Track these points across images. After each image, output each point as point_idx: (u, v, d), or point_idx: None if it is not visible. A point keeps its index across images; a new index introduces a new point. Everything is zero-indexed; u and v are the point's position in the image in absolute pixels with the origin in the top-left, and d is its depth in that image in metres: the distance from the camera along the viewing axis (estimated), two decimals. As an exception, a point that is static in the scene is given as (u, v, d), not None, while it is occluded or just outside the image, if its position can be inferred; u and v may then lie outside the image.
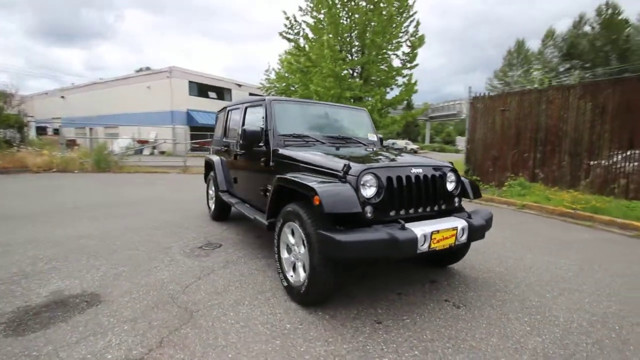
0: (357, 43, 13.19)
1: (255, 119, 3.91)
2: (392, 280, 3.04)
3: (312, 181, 2.35)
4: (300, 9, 13.81)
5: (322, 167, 2.64)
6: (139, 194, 7.20)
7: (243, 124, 4.01)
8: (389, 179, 2.42)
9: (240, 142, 3.92)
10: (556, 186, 7.78)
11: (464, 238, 2.50)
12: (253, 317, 2.33)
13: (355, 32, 12.76)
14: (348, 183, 2.31)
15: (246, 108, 4.03)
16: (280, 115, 3.44)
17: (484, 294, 2.82)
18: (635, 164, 6.45)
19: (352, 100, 12.49)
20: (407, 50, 14.08)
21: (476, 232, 2.59)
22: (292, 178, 2.53)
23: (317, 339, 2.09)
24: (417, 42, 13.80)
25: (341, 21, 12.88)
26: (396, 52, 14.03)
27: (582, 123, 7.52)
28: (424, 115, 45.39)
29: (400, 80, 14.31)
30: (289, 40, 14.04)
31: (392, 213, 2.42)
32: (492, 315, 2.46)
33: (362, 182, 2.32)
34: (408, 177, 2.50)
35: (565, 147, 7.81)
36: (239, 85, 29.88)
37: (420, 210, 2.58)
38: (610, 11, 33.92)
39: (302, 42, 13.66)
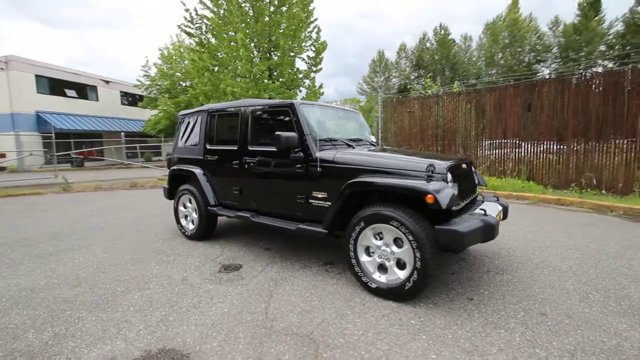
0: (267, 45, 13.08)
1: (268, 124, 3.67)
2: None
3: (408, 182, 2.50)
4: (201, 1, 12.76)
5: (393, 168, 2.78)
6: (48, 224, 5.49)
7: (250, 130, 3.68)
8: (457, 174, 2.78)
9: (261, 149, 3.61)
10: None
11: (503, 218, 3.09)
12: (378, 323, 2.33)
13: (269, 33, 12.65)
14: (436, 181, 2.55)
15: (252, 112, 3.70)
16: (310, 119, 3.36)
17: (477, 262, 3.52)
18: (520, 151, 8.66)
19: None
20: (311, 54, 14.84)
21: (506, 213, 3.22)
22: (389, 182, 2.60)
23: (449, 325, 2.28)
24: (321, 47, 14.69)
25: (249, 20, 12.55)
26: (302, 56, 14.60)
27: (469, 121, 9.62)
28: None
29: (306, 82, 14.98)
30: (189, 34, 12.79)
31: (459, 204, 2.79)
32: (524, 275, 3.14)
33: (448, 179, 2.60)
34: (464, 171, 2.92)
35: (459, 141, 9.85)
36: (107, 82, 25.13)
37: (467, 199, 3.04)
38: (443, 32, 43.25)
39: (209, 38, 12.65)
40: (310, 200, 3.21)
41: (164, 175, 12.62)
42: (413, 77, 47.31)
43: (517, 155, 8.69)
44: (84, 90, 23.46)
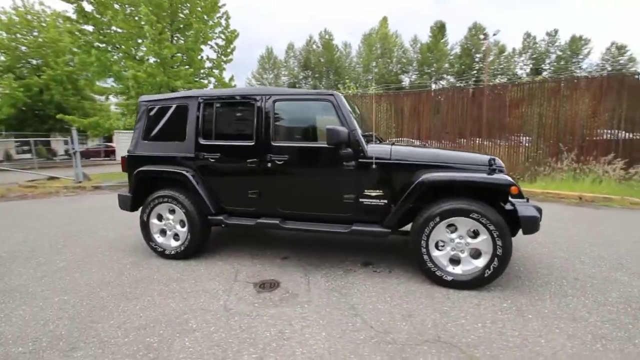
0: (173, 26, 11.33)
1: (300, 117, 3.26)
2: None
3: (491, 176, 2.66)
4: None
5: (456, 163, 2.89)
6: None
7: (273, 123, 3.17)
8: None
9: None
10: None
11: None
12: (483, 313, 2.39)
13: (174, 10, 10.90)
14: (498, 173, 2.78)
15: (275, 102, 3.18)
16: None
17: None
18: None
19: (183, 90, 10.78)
20: (221, 43, 13.65)
21: None
22: (470, 176, 2.68)
23: (535, 301, 2.53)
24: (232, 35, 13.67)
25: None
26: (211, 43, 13.28)
27: (389, 121, 10.67)
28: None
29: (216, 72, 13.74)
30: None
31: None
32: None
33: (505, 171, 2.87)
34: None
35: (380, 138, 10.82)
36: None
37: None
38: (327, 37, 46.22)
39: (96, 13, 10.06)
40: (361, 200, 3.01)
41: (32, 181, 9.55)
42: (301, 77, 49.08)
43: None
44: None
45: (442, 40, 43.82)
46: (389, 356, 1.95)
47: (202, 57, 12.79)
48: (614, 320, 2.28)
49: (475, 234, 2.73)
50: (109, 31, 10.44)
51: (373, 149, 2.99)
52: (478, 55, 43.30)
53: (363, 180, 2.99)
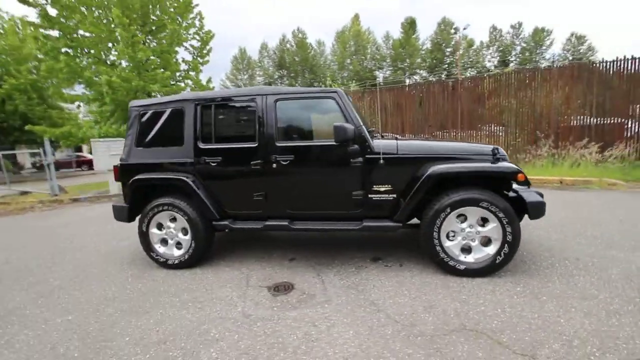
0: (147, 28, 10.90)
1: (303, 116, 3.22)
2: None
3: (497, 165, 2.73)
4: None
5: (462, 154, 2.96)
6: None
7: (276, 123, 3.11)
8: None
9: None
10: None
11: None
12: (500, 299, 2.45)
13: (150, 11, 10.50)
14: (502, 162, 2.87)
15: (276, 101, 3.12)
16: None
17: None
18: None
19: (160, 95, 10.42)
20: (196, 44, 13.31)
21: None
22: (473, 167, 2.74)
23: (545, 283, 2.63)
24: (207, 36, 13.36)
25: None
26: (186, 45, 12.92)
27: (372, 116, 10.78)
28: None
29: (192, 75, 13.39)
30: (26, 3, 9.32)
31: None
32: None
33: (507, 159, 2.96)
34: None
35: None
36: None
37: None
38: (301, 35, 46.05)
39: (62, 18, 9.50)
40: (370, 195, 3.02)
41: (2, 197, 8.95)
42: (277, 77, 48.68)
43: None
44: None
45: (414, 36, 44.74)
46: (420, 348, 1.97)
47: (177, 59, 12.45)
48: (621, 296, 2.41)
49: (484, 222, 2.80)
50: (76, 36, 9.90)
51: (379, 144, 3.00)
52: (448, 50, 44.59)
53: (371, 176, 3.00)
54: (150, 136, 3.45)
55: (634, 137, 7.59)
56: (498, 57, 44.69)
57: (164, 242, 3.46)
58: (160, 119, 3.43)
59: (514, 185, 2.96)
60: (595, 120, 7.98)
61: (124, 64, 10.83)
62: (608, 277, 2.71)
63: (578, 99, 8.19)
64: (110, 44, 10.51)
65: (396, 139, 3.32)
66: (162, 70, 10.83)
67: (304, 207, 3.19)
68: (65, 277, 3.38)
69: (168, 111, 3.40)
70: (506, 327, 2.12)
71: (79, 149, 23.90)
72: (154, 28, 11.26)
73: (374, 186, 3.01)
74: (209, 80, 14.01)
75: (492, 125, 9.39)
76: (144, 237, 3.41)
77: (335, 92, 3.06)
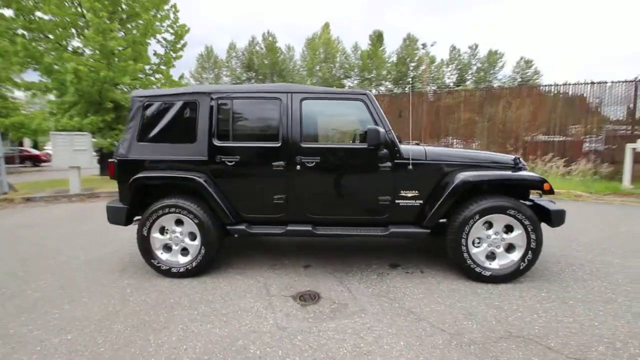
0: (118, 15, 10.09)
1: (330, 116, 3.10)
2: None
3: (522, 174, 2.82)
4: None
5: (486, 161, 3.03)
6: None
7: (302, 123, 2.96)
8: None
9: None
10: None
11: None
12: (538, 306, 2.51)
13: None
14: (523, 170, 2.99)
15: (302, 100, 2.97)
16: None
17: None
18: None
19: (137, 87, 9.69)
20: (169, 37, 12.61)
21: None
22: (505, 175, 2.81)
23: (567, 288, 2.75)
24: (182, 30, 12.72)
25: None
26: (159, 37, 12.19)
27: (354, 123, 10.89)
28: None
29: (163, 69, 12.65)
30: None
31: None
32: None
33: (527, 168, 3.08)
34: None
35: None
36: None
37: None
38: (271, 38, 45.65)
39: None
40: (397, 201, 2.98)
41: None
42: (244, 78, 47.69)
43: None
44: None
45: (381, 48, 46.32)
46: (477, 357, 1.93)
47: (149, 52, 11.69)
48: (637, 299, 2.58)
49: (508, 230, 2.88)
50: (33, 17, 8.88)
51: (407, 150, 2.98)
52: (412, 64, 46.76)
53: (399, 182, 2.96)
54: (155, 130, 3.13)
55: (589, 155, 8.41)
56: (457, 75, 47.70)
57: (166, 248, 3.13)
58: (168, 112, 3.12)
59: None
60: (558, 138, 8.75)
61: (87, 52, 9.92)
62: (616, 281, 2.90)
63: (543, 118, 8.94)
64: (73, 30, 9.58)
65: (417, 144, 3.33)
66: (131, 62, 10.05)
67: (328, 211, 3.06)
68: (47, 289, 2.92)
69: (179, 104, 3.10)
70: (549, 332, 2.17)
71: (21, 144, 21.44)
72: (124, 17, 10.46)
73: (402, 192, 2.97)
74: (182, 77, 13.35)
75: (468, 139, 9.92)
76: (144, 242, 3.06)
77: (364, 94, 3.00)
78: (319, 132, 3.16)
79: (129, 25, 11.08)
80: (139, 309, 2.54)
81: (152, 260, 3.08)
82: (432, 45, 28.86)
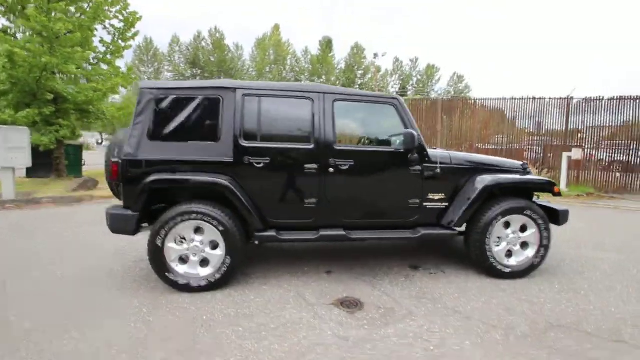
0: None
1: (362, 119, 3.07)
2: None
3: (535, 177, 3.10)
4: None
5: (503, 166, 3.28)
6: None
7: (335, 125, 2.89)
8: None
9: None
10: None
11: None
12: (569, 299, 2.76)
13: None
14: (530, 174, 3.30)
15: (335, 101, 2.89)
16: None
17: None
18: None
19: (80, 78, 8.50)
20: (117, 25, 11.40)
21: None
22: (525, 179, 3.05)
23: (581, 280, 3.07)
24: (133, 17, 11.57)
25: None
26: (105, 24, 10.94)
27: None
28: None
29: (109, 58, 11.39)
30: None
31: None
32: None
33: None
34: None
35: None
36: None
37: None
38: (218, 35, 43.81)
39: None
40: (425, 204, 3.06)
41: None
42: (189, 75, 45.03)
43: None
44: None
45: (330, 55, 47.38)
46: (539, 349, 2.05)
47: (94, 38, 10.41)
48: (632, 286, 2.99)
49: (522, 228, 3.13)
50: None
51: (435, 154, 3.08)
52: (359, 72, 48.67)
53: (428, 185, 3.05)
54: (170, 127, 2.78)
55: (530, 162, 9.59)
56: (399, 85, 50.82)
57: (181, 260, 2.79)
58: (186, 108, 2.80)
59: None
60: (507, 146, 9.84)
61: (19, 36, 8.51)
62: (605, 272, 3.33)
63: (494, 126, 9.97)
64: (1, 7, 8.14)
65: (434, 149, 3.47)
66: (80, 48, 8.85)
67: (360, 215, 3.03)
68: (39, 317, 2.40)
69: (199, 99, 2.81)
70: (581, 320, 2.40)
71: None
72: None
73: (430, 194, 3.06)
74: (130, 69, 12.14)
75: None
76: (158, 254, 2.69)
77: (395, 99, 3.04)
78: (352, 135, 3.11)
79: (72, 8, 9.75)
80: (172, 332, 2.22)
81: (168, 274, 2.72)
82: (383, 56, 30.27)
